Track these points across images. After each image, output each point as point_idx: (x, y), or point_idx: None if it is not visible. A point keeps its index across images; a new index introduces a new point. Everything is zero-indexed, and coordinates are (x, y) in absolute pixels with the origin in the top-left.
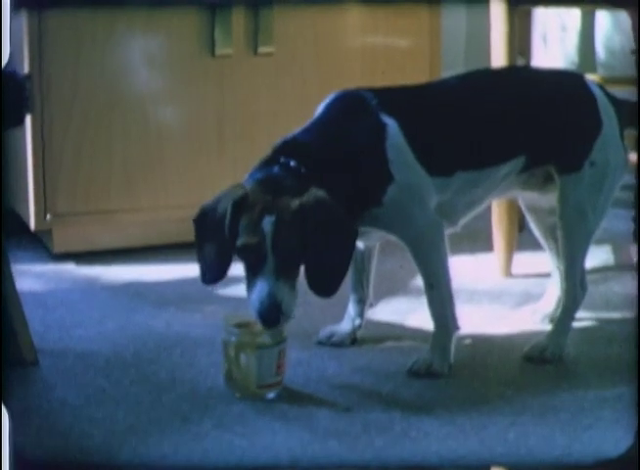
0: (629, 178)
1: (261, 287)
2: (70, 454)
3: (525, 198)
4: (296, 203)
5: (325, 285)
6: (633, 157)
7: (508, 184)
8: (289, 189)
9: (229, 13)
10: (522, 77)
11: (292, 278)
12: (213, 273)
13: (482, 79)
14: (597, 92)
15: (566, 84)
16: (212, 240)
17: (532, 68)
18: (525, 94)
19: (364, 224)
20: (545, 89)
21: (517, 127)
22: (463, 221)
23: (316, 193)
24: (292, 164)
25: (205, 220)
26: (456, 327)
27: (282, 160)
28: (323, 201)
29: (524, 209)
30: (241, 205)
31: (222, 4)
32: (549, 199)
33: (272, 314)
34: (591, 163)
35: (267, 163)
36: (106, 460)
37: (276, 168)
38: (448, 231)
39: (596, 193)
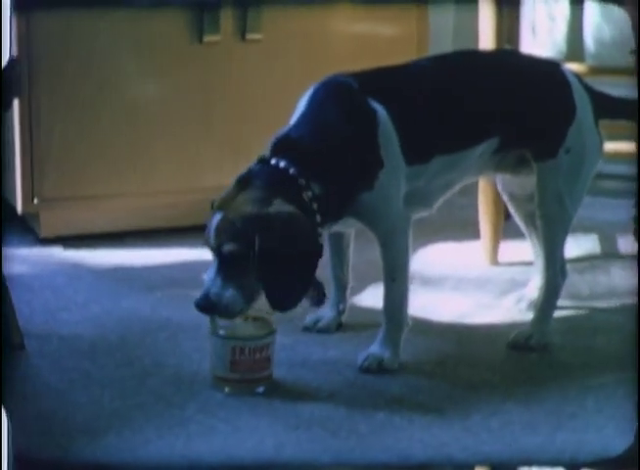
0: (615, 167)
1: (206, 277)
2: (55, 441)
3: (504, 185)
4: (252, 209)
5: (280, 300)
6: (610, 146)
7: (481, 165)
8: (258, 190)
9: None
10: (500, 60)
11: (237, 277)
12: None
13: (461, 60)
14: (572, 80)
15: (542, 70)
16: None
17: (517, 52)
18: (502, 76)
19: (347, 213)
20: (521, 73)
21: (492, 109)
22: (438, 204)
23: (282, 207)
24: (281, 164)
25: None
26: (407, 323)
27: (273, 161)
28: (287, 216)
29: (504, 196)
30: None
31: None
32: (524, 184)
33: (201, 304)
34: (566, 149)
35: (259, 161)
36: (104, 456)
37: (258, 167)
38: (424, 215)
39: (573, 180)
